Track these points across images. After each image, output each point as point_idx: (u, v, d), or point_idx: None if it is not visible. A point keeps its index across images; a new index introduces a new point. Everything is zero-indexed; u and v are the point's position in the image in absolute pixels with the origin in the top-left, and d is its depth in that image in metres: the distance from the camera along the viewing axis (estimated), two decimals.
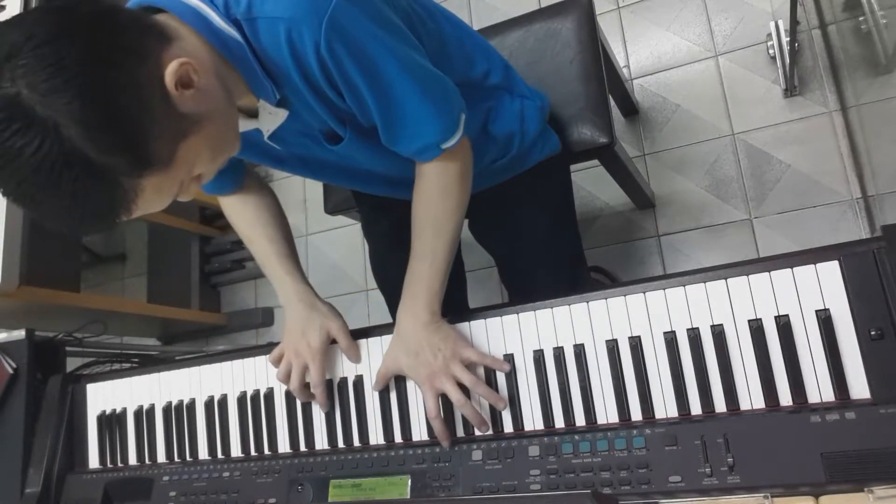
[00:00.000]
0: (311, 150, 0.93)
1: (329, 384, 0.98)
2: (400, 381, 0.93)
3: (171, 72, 0.66)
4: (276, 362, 1.00)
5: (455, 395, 0.86)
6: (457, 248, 0.95)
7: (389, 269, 1.26)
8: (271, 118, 0.85)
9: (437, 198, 0.92)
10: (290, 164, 1.00)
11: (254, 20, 0.73)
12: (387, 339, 0.96)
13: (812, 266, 0.74)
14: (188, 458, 1.07)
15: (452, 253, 0.93)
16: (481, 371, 0.89)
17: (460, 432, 0.89)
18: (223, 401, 1.06)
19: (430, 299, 0.90)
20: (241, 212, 1.06)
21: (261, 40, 0.74)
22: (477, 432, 0.87)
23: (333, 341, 0.98)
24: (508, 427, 0.86)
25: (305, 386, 0.97)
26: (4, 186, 0.62)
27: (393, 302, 1.27)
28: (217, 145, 0.73)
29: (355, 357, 0.97)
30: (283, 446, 1.00)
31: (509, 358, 0.87)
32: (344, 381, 0.97)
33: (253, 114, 0.85)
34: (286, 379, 0.98)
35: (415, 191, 0.93)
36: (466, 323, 0.92)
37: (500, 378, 0.87)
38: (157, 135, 0.65)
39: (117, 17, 0.65)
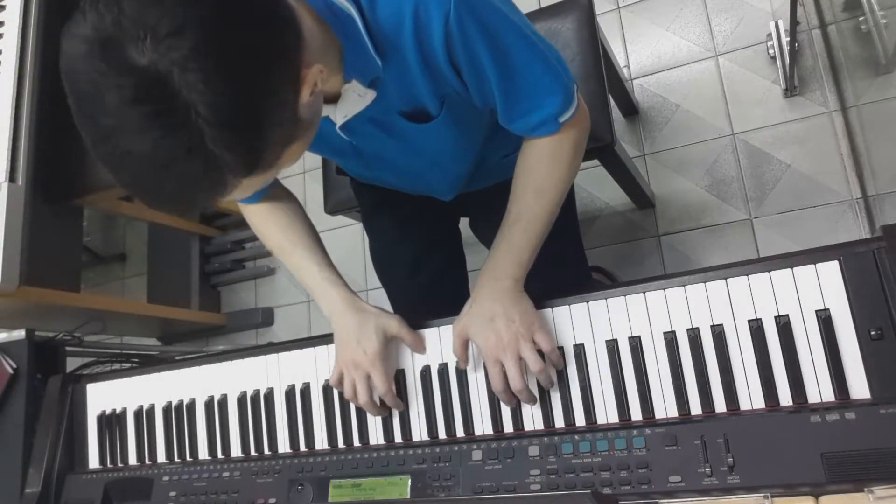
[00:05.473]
0: (373, 139, 0.89)
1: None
2: (399, 381, 0.93)
3: (310, 79, 0.63)
4: (339, 383, 0.94)
5: (514, 374, 0.82)
6: (551, 225, 0.88)
7: (391, 264, 1.25)
8: (357, 101, 0.81)
9: (544, 163, 0.87)
10: (346, 154, 0.96)
11: None
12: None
13: (812, 266, 0.74)
14: (188, 458, 1.07)
15: (550, 224, 0.88)
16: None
17: (460, 432, 0.89)
18: (223, 401, 1.06)
19: (517, 266, 0.85)
20: (269, 220, 1.02)
21: (378, 15, 0.72)
22: (477, 432, 0.87)
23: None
24: (508, 427, 0.86)
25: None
26: (105, 145, 0.57)
27: (395, 297, 1.27)
28: (305, 147, 0.70)
29: (422, 349, 0.93)
30: (283, 446, 1.00)
31: None
32: None
33: (331, 99, 0.81)
34: (353, 396, 0.92)
35: (520, 161, 0.89)
36: None
37: None
38: (276, 140, 0.62)
39: (279, 8, 0.62)
